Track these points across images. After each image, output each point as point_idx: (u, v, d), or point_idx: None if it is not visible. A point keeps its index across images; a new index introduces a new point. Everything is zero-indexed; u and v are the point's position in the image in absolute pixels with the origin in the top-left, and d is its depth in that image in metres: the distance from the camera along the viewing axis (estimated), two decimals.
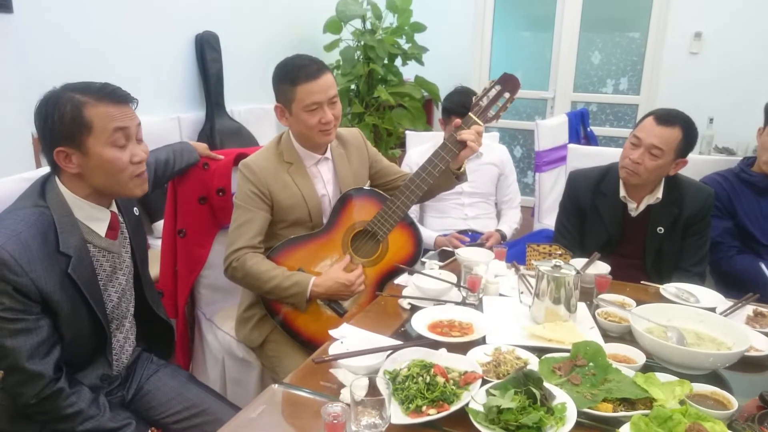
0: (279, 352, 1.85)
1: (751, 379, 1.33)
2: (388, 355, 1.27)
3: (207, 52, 3.32)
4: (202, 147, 2.05)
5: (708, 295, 1.71)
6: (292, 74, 1.72)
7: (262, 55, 3.77)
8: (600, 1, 4.93)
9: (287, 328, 1.81)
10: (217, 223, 2.11)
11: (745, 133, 4.08)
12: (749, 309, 1.62)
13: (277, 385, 1.24)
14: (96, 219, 1.37)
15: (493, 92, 1.80)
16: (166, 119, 3.09)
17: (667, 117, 1.92)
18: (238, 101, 3.59)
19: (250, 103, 3.66)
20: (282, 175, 1.80)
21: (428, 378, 1.16)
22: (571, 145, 2.93)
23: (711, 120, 4.29)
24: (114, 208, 1.43)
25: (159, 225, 2.59)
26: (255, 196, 1.77)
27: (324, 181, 1.88)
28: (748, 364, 1.35)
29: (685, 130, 1.91)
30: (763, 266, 1.79)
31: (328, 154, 1.89)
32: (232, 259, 1.74)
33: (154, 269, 1.86)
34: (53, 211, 1.29)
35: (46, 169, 1.40)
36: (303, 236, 1.81)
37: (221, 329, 2.09)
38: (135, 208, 1.57)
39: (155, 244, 2.54)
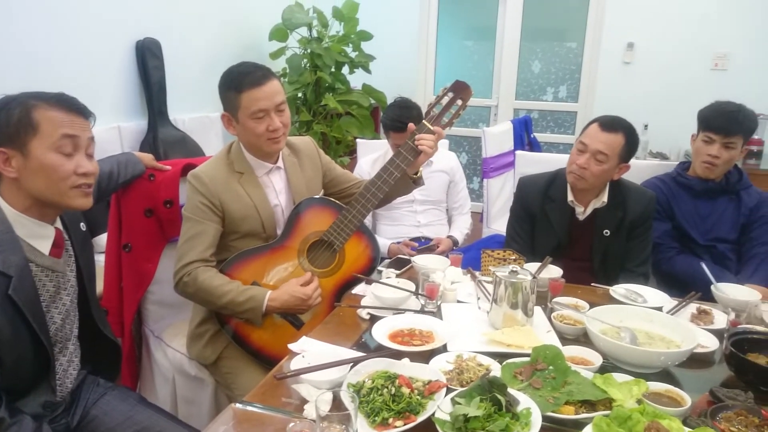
0: (234, 369, 1.80)
1: (700, 375, 1.39)
2: (351, 368, 1.25)
3: (148, 60, 3.21)
4: (148, 158, 1.98)
5: (654, 295, 1.78)
6: (236, 81, 1.68)
7: (206, 63, 3.69)
8: (539, 12, 5.09)
9: (242, 342, 1.76)
10: (165, 237, 2.03)
11: (677, 138, 4.31)
12: (693, 307, 1.69)
13: (237, 403, 1.20)
14: (39, 236, 1.29)
15: (445, 99, 1.82)
16: (105, 129, 2.96)
17: (610, 124, 2.00)
18: (182, 110, 3.48)
19: (195, 112, 3.56)
20: (233, 185, 1.76)
21: (393, 389, 1.15)
22: (519, 152, 3.00)
23: (645, 126, 4.50)
24: (59, 224, 1.36)
25: (101, 239, 2.47)
26: (205, 207, 1.71)
27: (276, 190, 1.84)
28: (696, 360, 1.41)
29: (627, 136, 1.99)
30: (703, 265, 1.87)
31: (279, 163, 1.85)
32: (182, 273, 1.68)
33: (98, 286, 1.77)
34: None
35: None
36: (256, 248, 1.77)
37: (171, 346, 2.01)
38: (82, 224, 1.49)
39: (98, 260, 2.41)
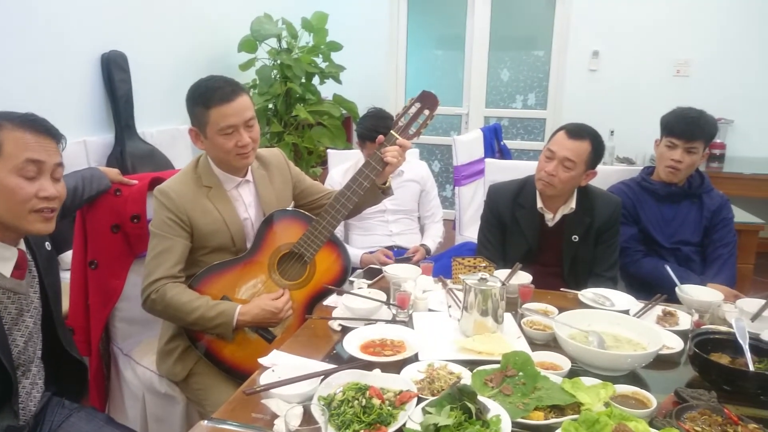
0: (205, 385, 1.77)
1: (665, 376, 1.41)
2: (322, 380, 1.24)
3: (114, 72, 3.16)
4: (114, 172, 1.95)
5: (621, 299, 1.81)
6: (205, 97, 1.66)
7: (174, 75, 3.65)
8: (506, 21, 5.18)
9: (213, 358, 1.74)
10: (133, 252, 2.00)
11: (643, 143, 4.40)
12: (659, 309, 1.72)
13: (206, 421, 1.18)
14: (1, 258, 1.26)
15: (413, 109, 1.83)
16: (71, 143, 2.86)
17: (577, 131, 2.03)
18: (150, 123, 3.44)
19: (163, 125, 3.51)
20: (201, 200, 1.74)
21: (364, 401, 1.14)
22: (489, 160, 3.03)
23: (612, 132, 4.59)
24: (22, 245, 1.32)
25: (66, 256, 2.41)
26: (173, 223, 1.69)
27: (246, 204, 1.83)
28: (662, 361, 1.44)
29: (593, 143, 2.03)
30: (668, 268, 1.91)
31: (248, 176, 1.84)
32: (150, 290, 1.65)
33: (64, 304, 1.73)
34: None
35: None
36: (226, 262, 1.75)
37: (140, 364, 1.97)
38: (47, 243, 1.45)
39: (63, 277, 2.36)
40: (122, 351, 2.04)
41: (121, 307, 2.01)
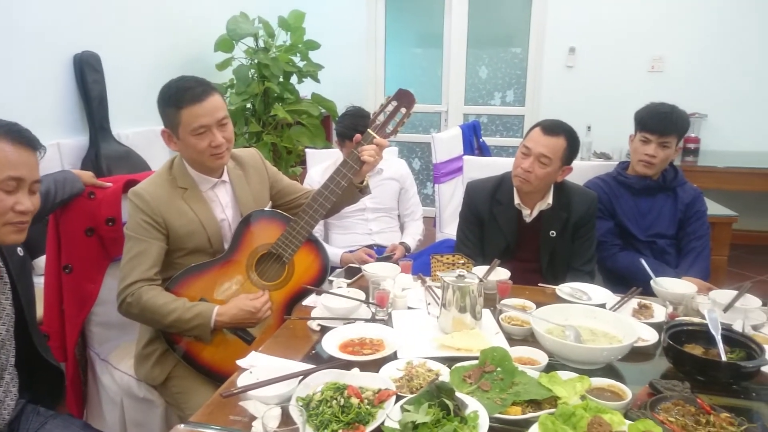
0: (184, 388, 1.76)
1: (641, 368, 1.43)
2: (300, 381, 1.24)
3: (87, 74, 3.12)
4: (87, 175, 1.92)
5: (598, 292, 1.84)
6: (176, 97, 1.65)
7: (150, 75, 3.60)
8: (483, 19, 5.20)
9: (192, 361, 1.72)
10: (108, 256, 1.97)
11: (619, 139, 4.44)
12: (634, 302, 1.75)
13: (183, 425, 1.17)
14: None
15: (390, 108, 1.83)
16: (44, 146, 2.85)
17: (552, 127, 2.05)
18: (126, 124, 3.39)
19: (139, 126, 3.47)
20: (176, 201, 1.72)
21: (342, 400, 1.14)
22: (467, 157, 3.05)
23: (589, 128, 4.65)
24: None
25: (41, 261, 2.37)
26: (148, 225, 1.67)
27: (222, 205, 1.81)
28: (637, 354, 1.46)
29: (568, 139, 2.05)
30: (643, 261, 1.94)
31: (225, 176, 1.83)
32: (126, 294, 1.63)
33: (38, 310, 1.70)
34: None
35: None
36: (203, 264, 1.73)
37: (118, 369, 1.95)
38: (19, 248, 1.43)
39: (37, 282, 2.32)
40: (99, 356, 2.01)
41: (98, 312, 1.98)
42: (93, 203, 1.90)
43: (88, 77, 3.12)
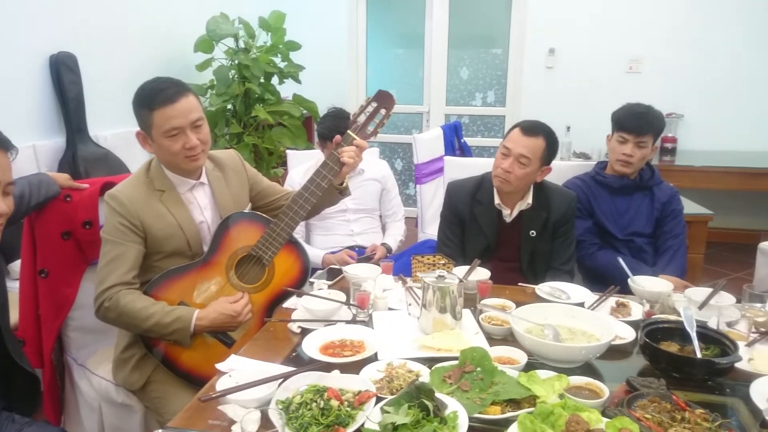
0: (164, 393, 1.74)
1: (618, 366, 1.45)
2: (280, 384, 1.23)
3: (64, 74, 3.07)
4: (63, 178, 1.89)
5: (577, 291, 1.86)
6: (149, 99, 1.63)
7: (128, 76, 3.55)
8: (464, 19, 5.23)
9: (171, 365, 1.70)
10: (86, 259, 1.95)
11: (598, 139, 4.48)
12: (612, 301, 1.77)
13: (161, 430, 1.16)
14: None
15: (369, 109, 1.83)
16: (19, 148, 2.79)
17: (531, 128, 2.07)
18: (104, 126, 3.35)
19: (118, 127, 3.42)
20: (154, 204, 1.70)
21: (322, 402, 1.14)
22: (447, 157, 3.06)
23: (568, 128, 4.69)
24: None
25: (15, 266, 2.34)
26: (125, 228, 1.65)
27: (201, 207, 1.80)
28: (615, 351, 1.48)
29: (547, 139, 2.07)
30: (621, 260, 1.97)
31: (203, 178, 1.81)
32: (103, 298, 1.61)
33: (13, 315, 1.67)
34: None
35: None
36: (182, 267, 1.72)
37: (96, 374, 1.92)
38: None
39: (12, 287, 2.28)
40: (76, 361, 1.98)
41: (75, 316, 1.96)
42: (69, 206, 1.87)
43: (64, 78, 3.07)
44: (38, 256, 1.86)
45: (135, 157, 3.43)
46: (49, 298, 1.88)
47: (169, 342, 1.67)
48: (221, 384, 1.24)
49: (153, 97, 1.61)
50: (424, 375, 1.31)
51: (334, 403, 1.14)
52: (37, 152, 2.94)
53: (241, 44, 4.10)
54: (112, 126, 3.41)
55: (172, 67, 3.89)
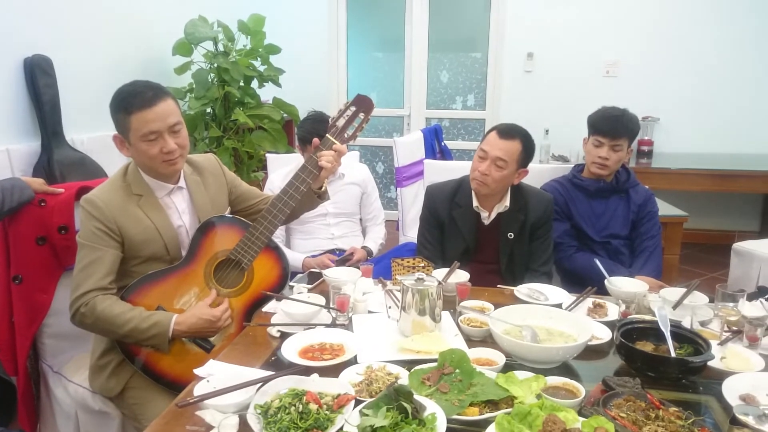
0: (141, 399, 1.72)
1: (595, 366, 1.47)
2: (259, 388, 1.23)
3: (39, 77, 3.02)
4: (38, 182, 1.87)
5: (555, 293, 1.88)
6: (126, 102, 1.61)
7: (106, 79, 3.50)
8: (444, 23, 5.26)
9: (150, 371, 1.69)
10: (61, 265, 1.92)
11: (576, 142, 4.54)
12: (589, 301, 1.79)
13: None
14: None
15: (348, 113, 1.83)
16: None
17: (508, 131, 2.09)
18: (80, 129, 3.30)
19: (95, 131, 3.37)
20: (131, 208, 1.69)
21: (301, 406, 1.14)
22: (427, 161, 3.08)
23: (547, 131, 4.75)
24: None
25: None
26: (101, 233, 1.63)
27: (179, 211, 1.79)
28: (591, 351, 1.50)
29: (524, 142, 2.09)
30: (598, 261, 1.99)
31: (181, 182, 1.80)
32: (79, 304, 1.59)
33: None
34: None
35: None
36: (160, 271, 1.70)
37: (72, 381, 1.89)
38: None
39: None
40: (52, 368, 1.95)
41: (50, 323, 1.93)
42: (44, 211, 1.85)
43: (39, 81, 3.02)
44: (12, 261, 1.83)
45: (113, 161, 3.37)
46: (23, 305, 1.85)
47: (147, 348, 1.66)
48: (199, 389, 1.23)
49: (131, 101, 1.60)
50: (403, 377, 1.31)
51: (313, 406, 1.14)
52: (11, 156, 2.88)
53: (221, 47, 4.08)
54: (89, 130, 3.36)
55: (150, 70, 3.85)
